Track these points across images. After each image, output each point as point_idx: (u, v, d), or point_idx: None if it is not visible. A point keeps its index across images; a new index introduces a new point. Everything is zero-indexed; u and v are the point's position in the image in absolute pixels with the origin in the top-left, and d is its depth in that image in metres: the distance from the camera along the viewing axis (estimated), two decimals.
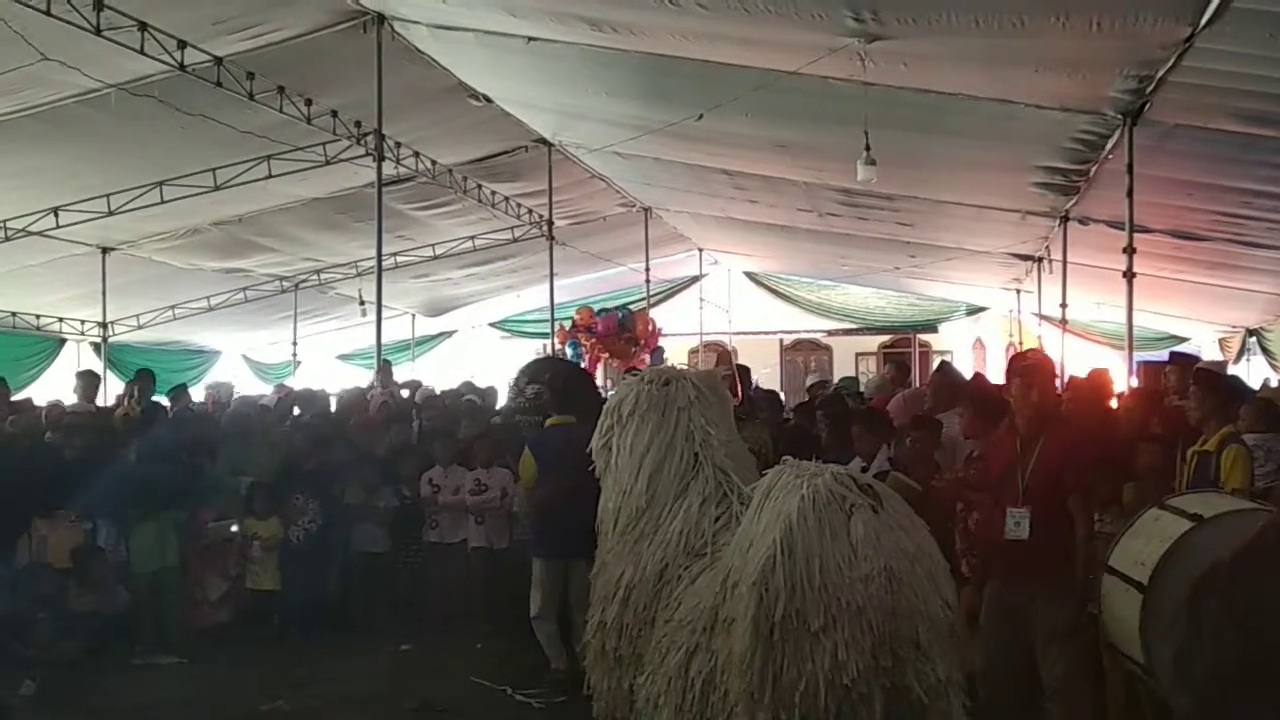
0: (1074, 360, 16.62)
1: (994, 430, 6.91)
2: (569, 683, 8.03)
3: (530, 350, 25.21)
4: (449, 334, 27.17)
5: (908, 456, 8.10)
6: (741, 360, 14.67)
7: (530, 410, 9.63)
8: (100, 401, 13.80)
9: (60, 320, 19.20)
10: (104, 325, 19.28)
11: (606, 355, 22.05)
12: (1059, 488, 6.08)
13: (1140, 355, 12.56)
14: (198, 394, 16.25)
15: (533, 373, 9.86)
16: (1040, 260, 17.17)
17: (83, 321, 19.42)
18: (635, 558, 5.74)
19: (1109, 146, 10.36)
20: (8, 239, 14.81)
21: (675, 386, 6.16)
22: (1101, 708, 6.61)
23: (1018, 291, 21.21)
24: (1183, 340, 19.40)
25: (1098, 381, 9.70)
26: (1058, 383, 15.47)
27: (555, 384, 9.00)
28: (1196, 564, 5.26)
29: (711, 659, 4.98)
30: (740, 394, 11.09)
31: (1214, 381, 7.41)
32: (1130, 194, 9.94)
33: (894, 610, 4.57)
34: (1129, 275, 10.29)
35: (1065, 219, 13.81)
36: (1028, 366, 6.50)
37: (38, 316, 18.79)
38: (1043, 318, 19.17)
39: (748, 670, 4.58)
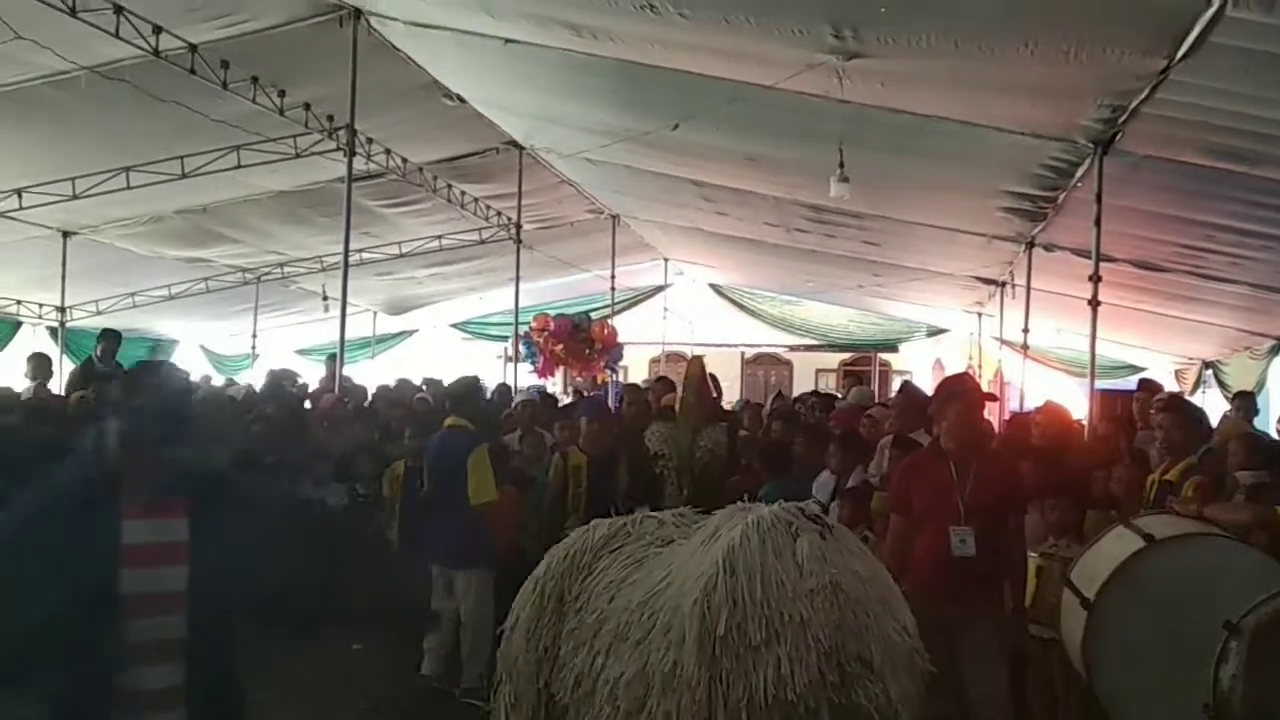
0: (1033, 385, 16.77)
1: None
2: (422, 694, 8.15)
3: (491, 353, 25.27)
4: (410, 333, 27.11)
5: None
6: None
7: None
8: (54, 385, 13.79)
9: (18, 303, 19.00)
10: (62, 310, 19.06)
11: (562, 352, 21.98)
12: (997, 508, 6.17)
13: (1099, 384, 12.65)
14: None
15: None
16: (1004, 285, 17.27)
17: (40, 305, 19.19)
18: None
19: (1078, 175, 10.45)
20: None
21: None
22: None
23: (979, 315, 21.37)
24: (1140, 370, 19.58)
25: (1056, 412, 9.77)
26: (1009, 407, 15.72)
27: None
28: (1141, 584, 5.34)
29: (624, 669, 4.95)
30: (713, 395, 11.26)
31: (1183, 410, 7.48)
32: (1098, 223, 10.00)
33: (840, 624, 4.57)
34: (1094, 303, 10.34)
35: (1031, 245, 13.90)
36: (954, 393, 6.57)
37: None
38: (1003, 342, 19.30)
39: (695, 688, 4.56)
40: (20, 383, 13.25)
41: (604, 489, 9.15)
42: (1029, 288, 14.62)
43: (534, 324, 22.03)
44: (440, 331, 27.77)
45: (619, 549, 5.42)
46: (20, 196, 14.44)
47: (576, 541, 5.56)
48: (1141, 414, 9.45)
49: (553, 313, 22.94)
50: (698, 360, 11.31)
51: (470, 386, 9.84)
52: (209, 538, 3.74)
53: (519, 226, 18.20)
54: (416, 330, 27.23)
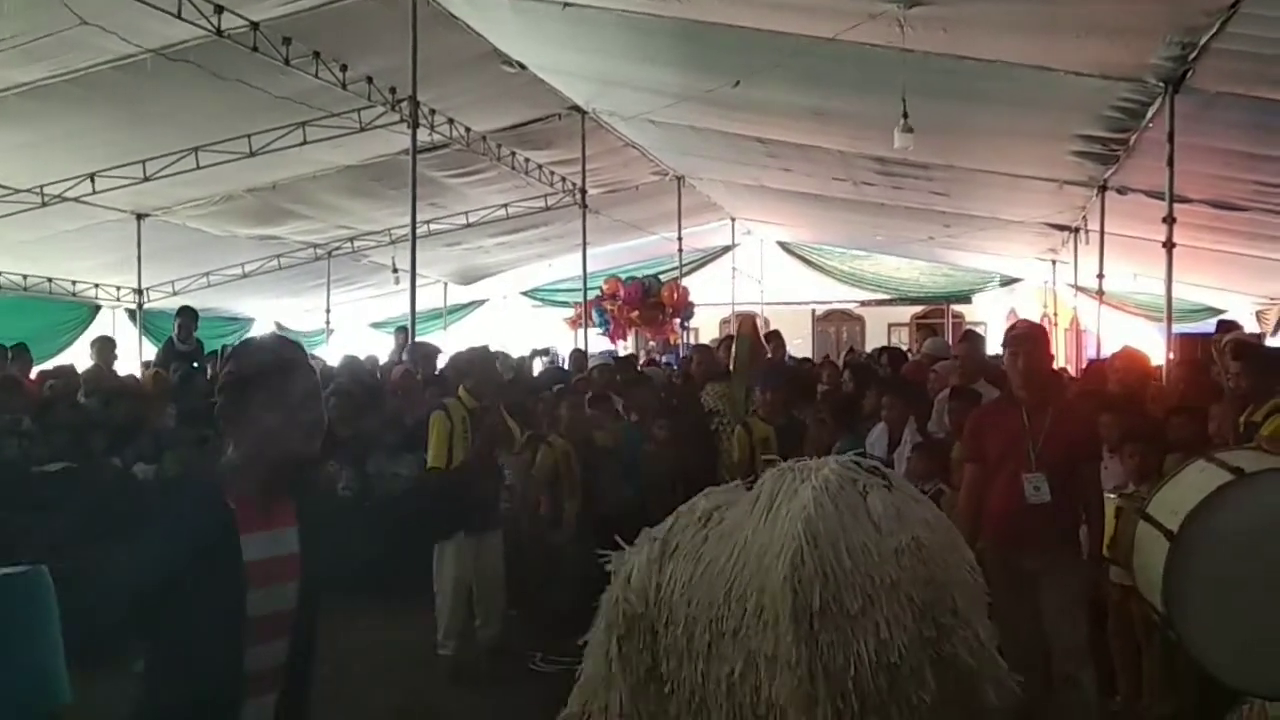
0: (1110, 332, 16.53)
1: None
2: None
3: (561, 318, 25.36)
4: (480, 303, 27.25)
5: (949, 429, 8.10)
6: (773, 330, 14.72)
7: None
8: (122, 366, 14.09)
9: (96, 286, 19.34)
10: (139, 292, 19.38)
11: (636, 317, 22.00)
12: (1070, 456, 6.11)
13: (1177, 328, 12.45)
14: None
15: None
16: (1077, 230, 17.04)
17: (118, 288, 19.55)
18: None
19: (1149, 115, 10.24)
20: (45, 204, 14.86)
21: None
22: (1137, 670, 6.63)
23: (1053, 262, 21.11)
24: (1220, 312, 19.21)
25: (1134, 357, 9.64)
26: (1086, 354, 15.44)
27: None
28: (1228, 518, 5.24)
29: (731, 664, 4.87)
30: (768, 354, 11.14)
31: (1255, 353, 7.34)
32: (1171, 163, 9.83)
33: (930, 579, 4.54)
34: (1169, 245, 10.19)
35: (1103, 188, 13.69)
36: (1014, 336, 6.54)
37: (73, 283, 18.91)
38: (1078, 289, 19.05)
39: (796, 666, 4.53)
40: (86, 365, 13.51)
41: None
42: (1103, 232, 14.41)
43: (604, 288, 22.06)
44: (510, 300, 27.90)
45: (675, 551, 5.30)
46: (93, 181, 14.67)
47: (637, 557, 5.31)
48: (1220, 356, 9.30)
49: (622, 276, 22.97)
50: (749, 319, 11.28)
51: (477, 357, 9.80)
52: (314, 544, 3.27)
53: (584, 192, 18.22)
54: (487, 300, 27.36)
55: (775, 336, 12.39)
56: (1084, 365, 14.28)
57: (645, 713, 5.22)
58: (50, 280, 18.44)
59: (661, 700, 5.17)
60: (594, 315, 21.74)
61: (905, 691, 4.45)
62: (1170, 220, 10.16)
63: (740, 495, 5.41)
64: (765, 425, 9.25)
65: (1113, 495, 6.51)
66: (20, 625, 2.28)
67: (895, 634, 4.44)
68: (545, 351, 18.98)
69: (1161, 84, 9.35)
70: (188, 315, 14.28)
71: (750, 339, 10.27)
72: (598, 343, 20.90)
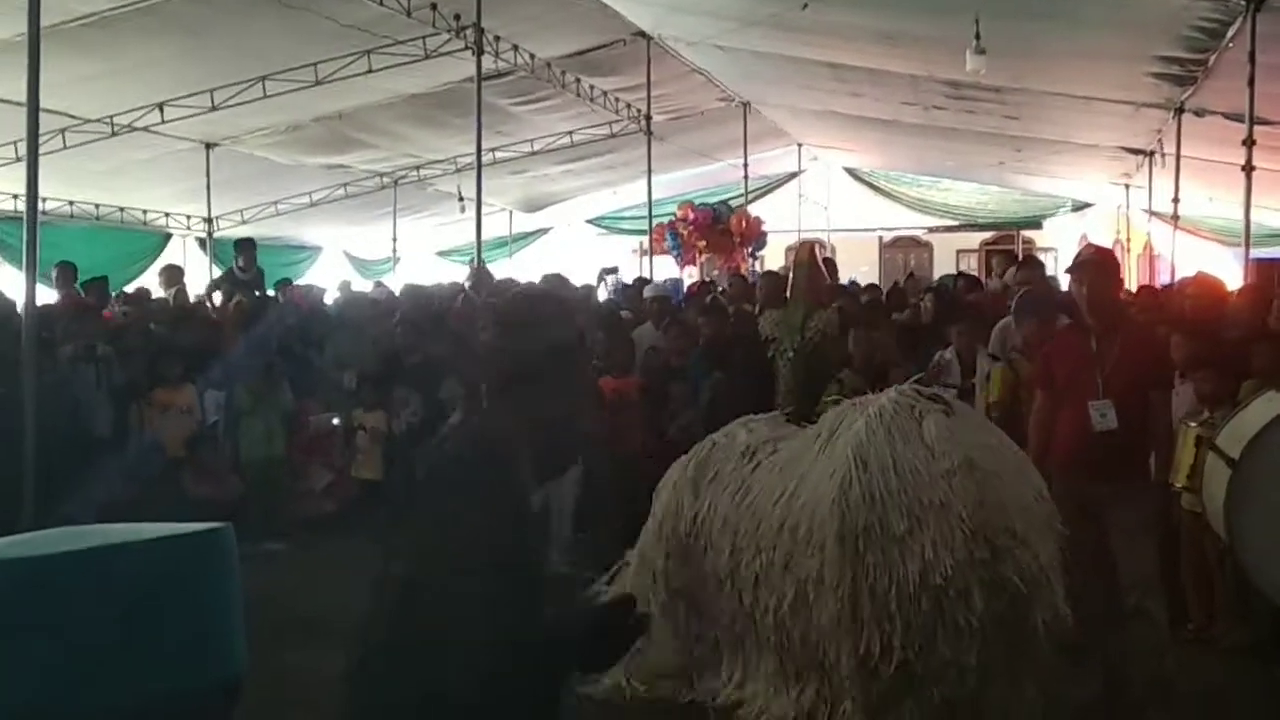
0: (1184, 257, 16.25)
1: None
2: None
3: (627, 247, 25.29)
4: (545, 230, 27.17)
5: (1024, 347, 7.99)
6: (841, 257, 14.62)
7: None
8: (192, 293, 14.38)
9: (166, 215, 19.54)
10: (209, 220, 19.55)
11: (704, 246, 21.96)
12: (1138, 383, 6.01)
13: (1253, 253, 12.20)
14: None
15: None
16: (1152, 154, 16.70)
17: (188, 216, 19.73)
18: None
19: (1230, 34, 9.97)
20: (115, 134, 14.96)
21: None
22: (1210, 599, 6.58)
23: (1126, 186, 20.73)
24: None
25: (1209, 283, 9.45)
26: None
27: None
28: None
29: (781, 595, 4.89)
30: (826, 280, 10.99)
31: None
32: (1251, 84, 9.60)
33: (982, 500, 4.52)
34: (1248, 169, 9.97)
35: (1180, 110, 13.37)
36: (1080, 262, 6.44)
37: (145, 212, 19.10)
38: (1152, 214, 18.71)
39: (838, 587, 4.53)
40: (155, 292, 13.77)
41: None
42: (1179, 156, 14.12)
43: (678, 213, 21.98)
44: (575, 228, 27.82)
45: (714, 478, 5.33)
46: (162, 111, 14.72)
47: (671, 481, 5.54)
48: None
49: (695, 202, 22.88)
50: (807, 245, 11.18)
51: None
52: None
53: (649, 118, 18.07)
54: (552, 228, 27.28)
55: (828, 264, 12.28)
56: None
57: (673, 632, 5.29)
58: (122, 210, 18.62)
59: (690, 624, 5.23)
60: (667, 239, 21.72)
61: (952, 614, 4.44)
62: (1250, 143, 9.94)
63: (786, 429, 5.44)
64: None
65: (1194, 424, 6.43)
66: (197, 588, 2.21)
67: (941, 555, 4.43)
68: (614, 270, 18.95)
69: (1243, 2, 9.10)
70: (247, 246, 15.16)
71: (809, 265, 10.10)
72: (661, 270, 20.83)
